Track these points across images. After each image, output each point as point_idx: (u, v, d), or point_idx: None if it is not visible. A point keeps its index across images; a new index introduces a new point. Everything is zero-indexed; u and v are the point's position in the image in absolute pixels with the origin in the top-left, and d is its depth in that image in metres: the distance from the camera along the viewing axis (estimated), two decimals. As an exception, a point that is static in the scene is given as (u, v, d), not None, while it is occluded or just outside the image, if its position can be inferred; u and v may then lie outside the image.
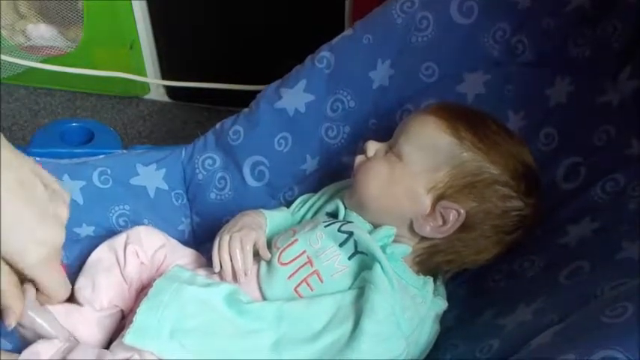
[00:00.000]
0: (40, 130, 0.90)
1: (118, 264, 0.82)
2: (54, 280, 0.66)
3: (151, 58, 1.61)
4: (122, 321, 0.81)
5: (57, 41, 1.58)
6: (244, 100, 1.41)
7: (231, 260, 0.75)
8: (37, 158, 0.86)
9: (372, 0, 0.97)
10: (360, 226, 0.77)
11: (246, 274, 0.75)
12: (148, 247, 0.84)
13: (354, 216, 0.79)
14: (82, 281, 0.82)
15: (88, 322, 0.78)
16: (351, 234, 0.74)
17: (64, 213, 0.66)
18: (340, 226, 0.76)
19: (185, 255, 0.85)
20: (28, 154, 0.84)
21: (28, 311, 0.71)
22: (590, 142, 0.81)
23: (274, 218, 0.86)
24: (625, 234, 0.69)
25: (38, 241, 0.62)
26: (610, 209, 0.74)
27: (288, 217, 0.90)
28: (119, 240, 0.84)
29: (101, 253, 0.84)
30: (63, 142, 0.89)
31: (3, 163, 0.59)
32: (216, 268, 0.75)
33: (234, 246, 0.75)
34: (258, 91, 1.42)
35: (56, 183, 0.67)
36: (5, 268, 0.62)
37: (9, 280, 0.63)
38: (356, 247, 0.74)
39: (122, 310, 0.82)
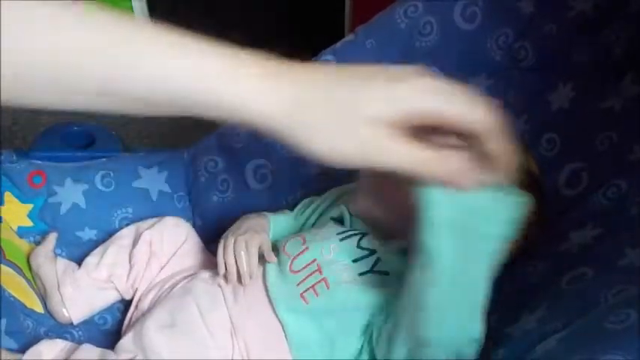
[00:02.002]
0: (42, 134, 0.89)
1: (132, 246, 0.85)
2: None
3: (150, 58, 1.61)
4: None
5: (57, 41, 1.57)
6: (244, 100, 1.42)
7: (236, 263, 0.75)
8: (40, 162, 0.86)
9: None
10: (378, 239, 0.77)
11: (251, 277, 0.75)
12: (168, 239, 0.86)
13: (360, 224, 0.79)
14: (97, 248, 0.86)
15: (75, 285, 0.82)
16: (373, 252, 0.75)
17: None
18: (359, 241, 0.76)
19: (197, 256, 0.87)
20: (30, 157, 0.86)
21: (41, 258, 0.82)
22: (592, 148, 0.81)
23: (278, 221, 0.86)
24: (628, 240, 0.68)
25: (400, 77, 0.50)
26: (612, 215, 0.74)
27: (292, 221, 0.90)
28: (146, 223, 0.88)
29: (126, 231, 0.88)
30: (65, 144, 0.89)
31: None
32: (221, 271, 0.76)
33: (239, 249, 0.76)
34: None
35: None
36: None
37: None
38: (373, 266, 0.74)
39: (117, 290, 0.84)
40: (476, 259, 0.57)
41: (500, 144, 0.51)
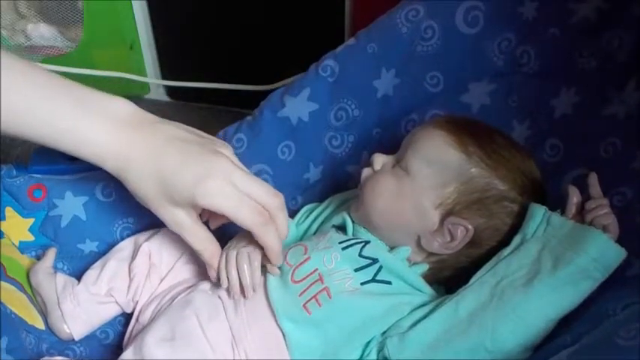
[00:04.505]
0: (40, 146, 0.89)
1: (131, 258, 0.84)
2: (235, 208, 0.71)
3: (151, 58, 1.60)
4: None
5: (57, 41, 1.56)
6: (244, 100, 1.41)
7: (239, 276, 0.75)
8: (40, 175, 0.86)
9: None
10: (381, 247, 0.77)
11: (254, 290, 0.75)
12: (168, 250, 0.85)
13: (363, 232, 0.79)
14: (96, 262, 0.86)
15: (76, 300, 0.81)
16: (375, 260, 0.74)
17: (224, 150, 0.75)
18: (361, 250, 0.75)
19: (197, 266, 0.86)
20: (30, 171, 0.85)
21: (40, 274, 0.83)
22: (596, 154, 0.80)
23: None
24: (634, 249, 0.68)
25: (205, 174, 0.69)
26: (618, 223, 0.73)
27: (293, 229, 0.90)
28: (145, 235, 0.87)
29: (125, 243, 0.87)
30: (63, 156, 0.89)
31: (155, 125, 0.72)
32: (224, 285, 0.75)
33: (242, 262, 0.75)
34: (258, 92, 1.42)
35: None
36: (201, 230, 0.74)
37: (204, 239, 0.75)
38: (376, 274, 0.73)
39: (117, 304, 0.84)
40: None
41: (265, 240, 0.72)
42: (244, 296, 0.75)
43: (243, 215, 0.71)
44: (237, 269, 0.75)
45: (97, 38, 1.53)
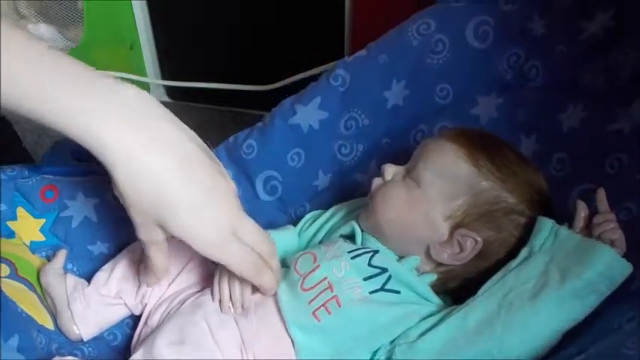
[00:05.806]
0: (51, 148, 0.89)
1: (141, 261, 0.83)
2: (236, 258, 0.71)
3: (151, 58, 1.60)
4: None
5: (57, 41, 1.56)
6: (244, 100, 1.42)
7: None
8: (52, 176, 0.87)
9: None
10: (390, 257, 0.78)
11: (243, 307, 0.77)
12: (176, 253, 0.84)
13: (372, 241, 0.80)
14: (106, 264, 0.86)
15: (85, 302, 0.82)
16: (384, 270, 0.75)
17: (230, 184, 0.73)
18: (370, 259, 0.76)
19: (206, 270, 0.86)
20: (42, 172, 0.85)
21: (50, 275, 0.83)
22: (602, 170, 0.81)
23: (280, 239, 0.86)
24: (639, 263, 0.69)
25: (213, 230, 0.69)
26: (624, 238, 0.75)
27: (295, 237, 0.91)
28: None
29: (134, 246, 0.87)
30: (74, 157, 0.89)
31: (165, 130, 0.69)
32: (215, 299, 0.77)
33: (234, 279, 0.76)
34: (258, 92, 1.42)
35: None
36: (165, 246, 0.72)
37: (165, 253, 0.74)
38: (385, 284, 0.74)
39: (126, 306, 0.84)
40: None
41: (262, 284, 0.74)
42: (234, 311, 0.77)
43: (243, 270, 0.72)
44: (229, 285, 0.77)
45: (97, 38, 1.53)
